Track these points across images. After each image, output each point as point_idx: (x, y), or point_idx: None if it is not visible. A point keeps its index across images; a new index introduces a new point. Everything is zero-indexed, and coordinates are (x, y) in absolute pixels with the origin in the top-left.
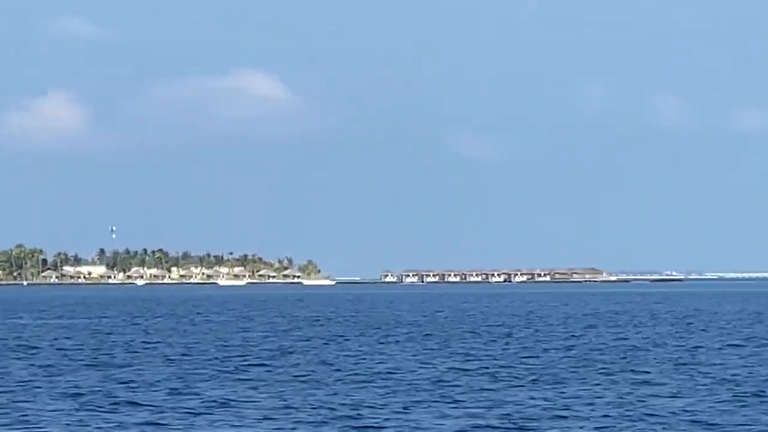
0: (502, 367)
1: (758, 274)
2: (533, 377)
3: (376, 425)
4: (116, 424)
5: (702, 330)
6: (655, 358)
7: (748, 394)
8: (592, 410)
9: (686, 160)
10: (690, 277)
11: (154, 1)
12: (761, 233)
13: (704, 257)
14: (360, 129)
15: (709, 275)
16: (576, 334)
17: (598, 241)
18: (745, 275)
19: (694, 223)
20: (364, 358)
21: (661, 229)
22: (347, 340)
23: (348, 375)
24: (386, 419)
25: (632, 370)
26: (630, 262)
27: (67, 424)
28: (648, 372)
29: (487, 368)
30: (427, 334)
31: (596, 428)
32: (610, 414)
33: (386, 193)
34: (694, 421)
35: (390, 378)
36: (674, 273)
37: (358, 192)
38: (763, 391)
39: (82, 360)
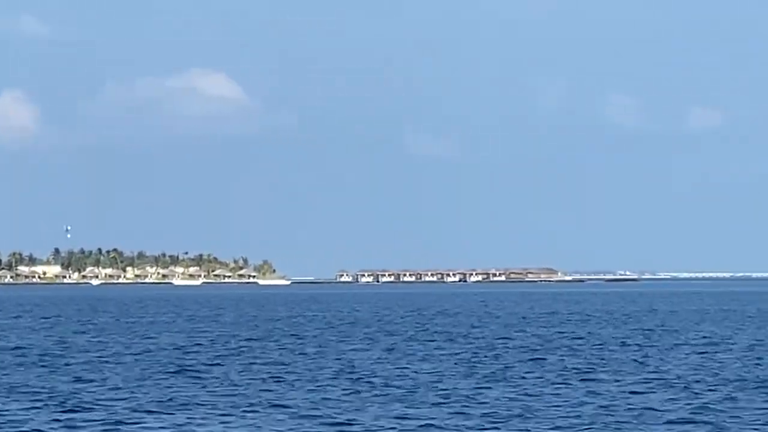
0: (462, 365)
1: (711, 274)
2: (494, 376)
3: (337, 422)
4: (80, 422)
5: (661, 328)
6: (616, 357)
7: (709, 391)
8: (554, 408)
9: (641, 160)
10: (644, 276)
11: (109, 1)
12: (713, 234)
13: (657, 257)
14: (316, 129)
15: (662, 275)
16: (537, 333)
17: (553, 240)
18: (699, 275)
19: (647, 223)
20: (324, 357)
21: (615, 228)
22: (301, 339)
23: (309, 374)
24: (348, 419)
25: (591, 369)
26: (584, 261)
27: (33, 423)
28: (607, 371)
29: (448, 366)
30: (387, 333)
31: (557, 427)
32: (570, 413)
33: (341, 193)
34: (653, 419)
35: (350, 377)
36: (628, 273)
37: (313, 192)
38: (722, 389)
39: (39, 360)
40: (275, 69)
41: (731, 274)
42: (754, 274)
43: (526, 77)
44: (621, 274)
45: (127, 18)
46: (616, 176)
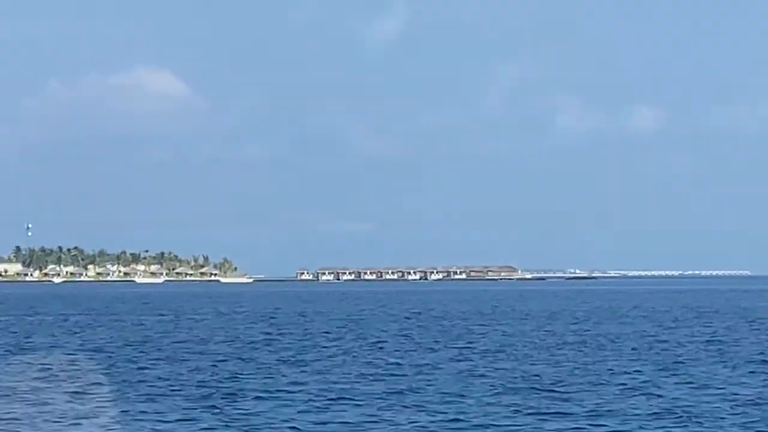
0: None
1: (661, 272)
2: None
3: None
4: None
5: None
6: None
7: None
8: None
9: (592, 160)
10: (593, 275)
11: None
12: (662, 233)
13: (606, 256)
14: (265, 127)
15: (612, 273)
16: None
17: (509, 239)
18: (646, 273)
19: (597, 223)
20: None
21: (565, 228)
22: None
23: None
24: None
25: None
26: (536, 260)
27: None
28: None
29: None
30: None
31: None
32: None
33: (300, 192)
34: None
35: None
36: (578, 271)
37: (272, 190)
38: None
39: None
40: (221, 67)
41: (680, 272)
42: (703, 272)
43: (470, 77)
44: (571, 273)
45: (71, 15)
46: (566, 175)
